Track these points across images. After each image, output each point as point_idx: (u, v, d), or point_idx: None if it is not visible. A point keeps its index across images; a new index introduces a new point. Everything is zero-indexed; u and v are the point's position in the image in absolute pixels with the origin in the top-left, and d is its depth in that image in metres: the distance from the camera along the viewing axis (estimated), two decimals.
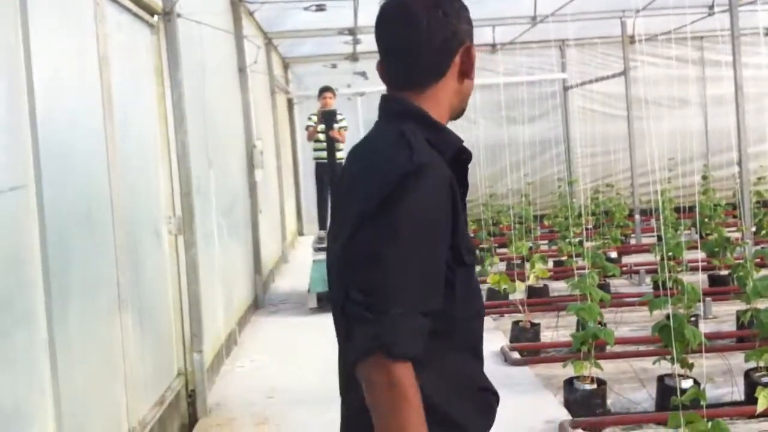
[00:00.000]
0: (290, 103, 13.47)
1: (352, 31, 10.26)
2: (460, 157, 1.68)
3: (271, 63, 10.88)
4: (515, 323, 6.48)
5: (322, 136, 9.01)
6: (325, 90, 9.15)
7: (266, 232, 8.77)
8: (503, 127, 12.72)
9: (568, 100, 14.03)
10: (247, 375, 5.83)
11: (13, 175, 2.66)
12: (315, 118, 9.16)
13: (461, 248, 1.61)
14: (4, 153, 2.63)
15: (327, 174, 9.14)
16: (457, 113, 1.76)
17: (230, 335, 6.28)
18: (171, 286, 4.78)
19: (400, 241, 1.52)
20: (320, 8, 8.60)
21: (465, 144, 1.71)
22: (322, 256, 7.22)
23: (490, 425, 1.73)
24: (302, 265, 9.28)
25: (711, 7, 10.77)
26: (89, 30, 3.62)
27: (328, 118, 8.82)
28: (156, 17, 4.75)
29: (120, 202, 3.74)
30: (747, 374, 4.87)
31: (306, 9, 8.72)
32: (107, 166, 3.65)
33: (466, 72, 1.71)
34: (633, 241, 11.01)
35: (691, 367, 4.59)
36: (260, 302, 7.97)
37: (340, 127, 8.95)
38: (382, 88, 1.75)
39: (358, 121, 13.08)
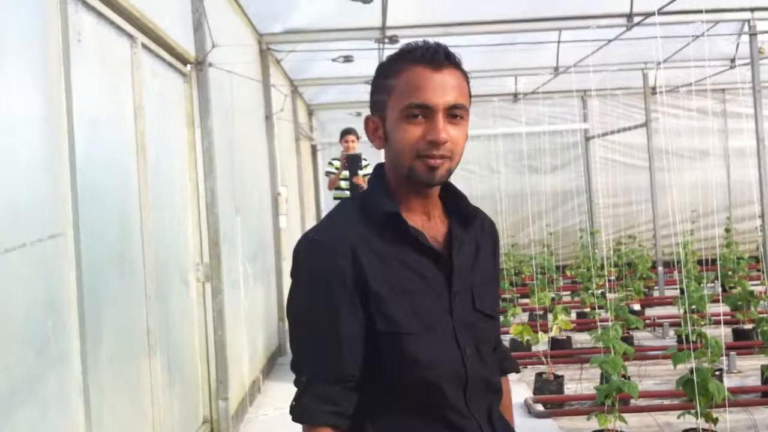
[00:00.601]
0: (314, 150, 13.59)
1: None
2: (391, 221, 1.67)
3: (296, 110, 11.02)
4: (539, 375, 6.44)
5: (344, 184, 8.39)
6: (347, 132, 8.58)
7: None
8: (525, 176, 12.77)
9: (589, 151, 14.07)
10: (270, 423, 5.81)
11: (52, 223, 2.72)
12: (337, 163, 8.58)
13: (374, 316, 1.62)
14: (45, 201, 2.69)
15: None
16: (402, 174, 1.68)
17: (254, 382, 6.29)
18: (198, 333, 4.81)
19: (299, 310, 1.67)
20: (347, 59, 8.71)
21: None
22: None
23: None
24: None
25: (733, 60, 10.84)
26: (126, 77, 3.72)
27: (352, 162, 7.97)
28: (189, 66, 4.86)
29: (151, 249, 3.80)
30: None
31: (334, 60, 8.83)
32: (140, 213, 3.72)
33: (370, 139, 1.75)
34: (656, 294, 10.94)
35: (715, 421, 4.55)
36: (284, 350, 7.96)
37: (366, 174, 7.99)
38: None
39: None
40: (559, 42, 9.71)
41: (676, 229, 9.99)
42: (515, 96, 12.85)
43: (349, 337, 1.62)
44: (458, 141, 1.65)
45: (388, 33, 7.55)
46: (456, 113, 1.64)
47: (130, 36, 3.78)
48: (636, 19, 7.99)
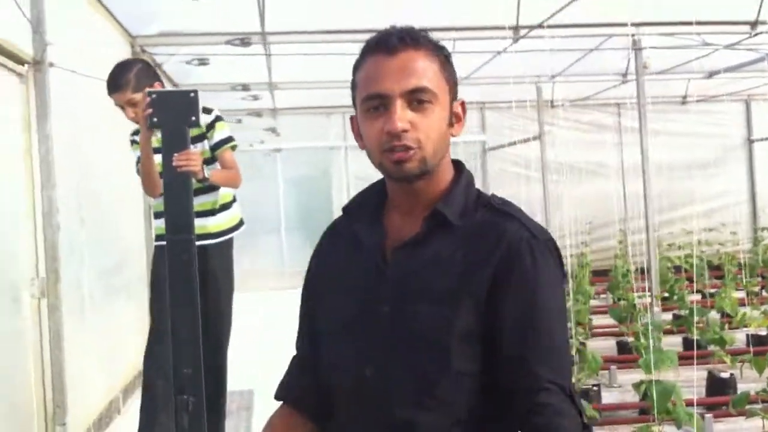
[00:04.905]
0: None
1: (246, 87, 9.95)
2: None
3: None
4: None
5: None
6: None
7: None
8: None
9: (487, 162, 14.02)
10: None
11: None
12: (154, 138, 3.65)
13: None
14: None
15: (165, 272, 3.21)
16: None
17: (111, 403, 5.90)
18: (32, 354, 4.44)
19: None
20: (203, 62, 8.32)
21: None
22: None
23: None
24: None
25: (624, 74, 10.95)
26: None
27: (172, 113, 3.16)
28: (26, 66, 4.50)
29: None
30: None
31: (188, 63, 8.45)
32: None
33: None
34: None
35: None
36: None
37: (220, 143, 3.87)
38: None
39: (277, 178, 12.81)
40: (452, 52, 9.60)
41: (570, 240, 9.97)
42: None
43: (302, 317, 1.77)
44: (425, 128, 1.47)
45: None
46: (420, 98, 1.46)
47: None
48: (522, 32, 7.93)
